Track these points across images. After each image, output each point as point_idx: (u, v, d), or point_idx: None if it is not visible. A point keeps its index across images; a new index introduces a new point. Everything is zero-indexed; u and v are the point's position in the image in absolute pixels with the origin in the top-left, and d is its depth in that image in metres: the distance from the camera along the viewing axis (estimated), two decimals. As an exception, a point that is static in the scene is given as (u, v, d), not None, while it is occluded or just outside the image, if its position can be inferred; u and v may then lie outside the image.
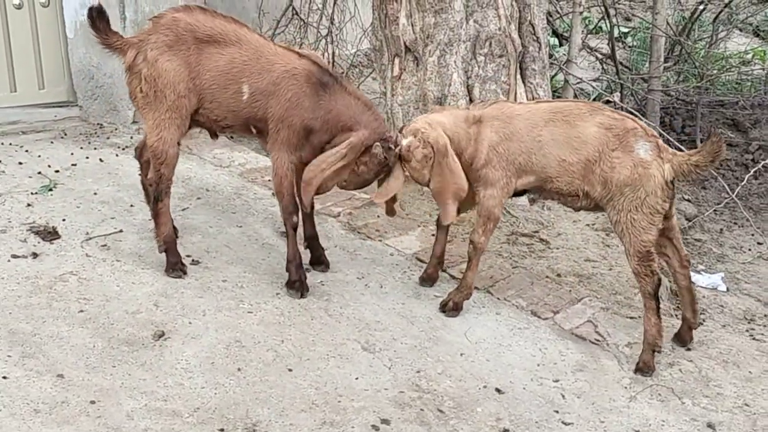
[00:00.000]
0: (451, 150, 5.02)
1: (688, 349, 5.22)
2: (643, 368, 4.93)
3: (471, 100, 7.09)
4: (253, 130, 5.26)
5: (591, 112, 4.91)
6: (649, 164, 4.74)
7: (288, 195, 5.21)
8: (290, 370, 4.60)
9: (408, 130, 5.13)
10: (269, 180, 6.90)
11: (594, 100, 9.71)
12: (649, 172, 4.73)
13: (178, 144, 5.28)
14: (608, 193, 4.83)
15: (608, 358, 5.09)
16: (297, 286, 5.28)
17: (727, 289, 6.17)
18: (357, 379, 4.60)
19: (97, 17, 5.19)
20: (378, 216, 6.54)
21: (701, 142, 8.47)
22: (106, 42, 5.25)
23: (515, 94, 7.08)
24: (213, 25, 5.18)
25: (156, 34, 5.19)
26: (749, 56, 10.39)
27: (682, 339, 5.23)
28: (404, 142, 5.06)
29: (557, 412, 4.54)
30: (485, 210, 5.11)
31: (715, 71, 9.51)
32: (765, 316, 5.80)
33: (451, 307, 5.30)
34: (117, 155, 6.94)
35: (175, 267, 5.34)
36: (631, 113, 8.38)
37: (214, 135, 5.52)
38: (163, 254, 5.33)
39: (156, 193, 5.33)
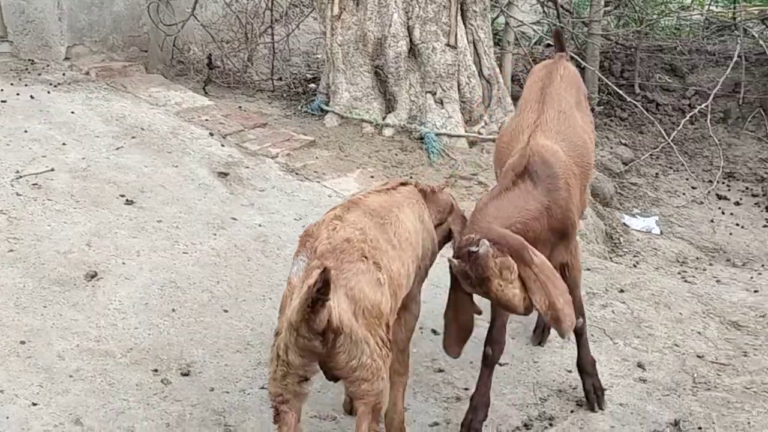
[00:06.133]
0: None
1: (621, 291, 5.29)
2: None
3: (412, 41, 7.04)
4: None
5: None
6: (292, 290, 3.22)
7: None
8: (226, 311, 4.57)
9: None
10: (206, 120, 6.79)
11: (535, 43, 9.72)
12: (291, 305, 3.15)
13: None
14: None
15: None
16: None
17: (661, 233, 6.26)
18: (293, 320, 4.59)
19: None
20: (316, 157, 6.49)
21: (639, 87, 8.55)
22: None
23: (455, 35, 7.04)
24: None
25: None
26: (688, 1, 10.44)
27: None
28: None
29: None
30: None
31: (654, 16, 9.55)
32: (697, 258, 5.91)
33: None
34: (49, 92, 6.77)
35: None
36: (572, 57, 8.43)
37: None
38: (97, 193, 5.21)
39: None
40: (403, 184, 3.92)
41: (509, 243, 3.57)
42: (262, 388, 4.06)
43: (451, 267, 3.65)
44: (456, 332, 3.90)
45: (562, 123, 4.27)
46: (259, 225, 5.43)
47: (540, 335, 4.84)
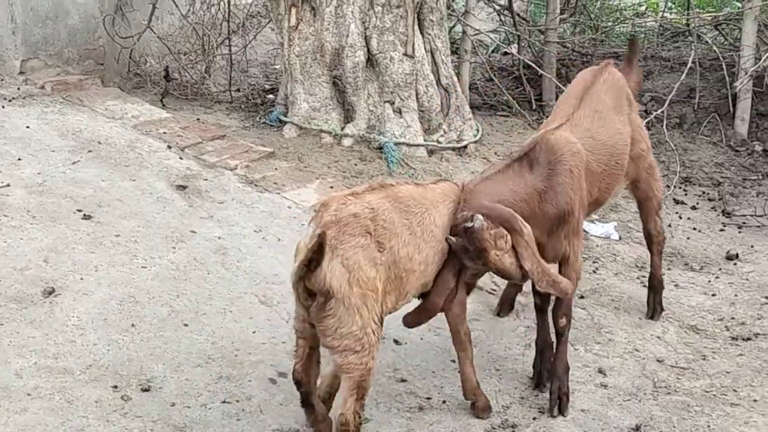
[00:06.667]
0: None
1: (581, 297, 5.32)
2: None
3: (369, 51, 7.04)
4: None
5: None
6: (298, 254, 3.67)
7: None
8: (186, 325, 4.54)
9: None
10: (164, 132, 6.75)
11: (493, 51, 9.77)
12: None
13: None
14: None
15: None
16: None
17: (620, 238, 6.31)
18: (254, 333, 4.57)
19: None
20: (275, 169, 6.47)
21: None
22: None
23: (413, 45, 7.05)
24: None
25: None
26: (642, 8, 10.56)
27: None
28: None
29: (454, 361, 4.58)
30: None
31: (609, 23, 9.64)
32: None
33: None
34: (3, 107, 6.68)
35: None
36: (529, 65, 8.50)
37: None
38: (53, 208, 5.16)
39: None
40: (446, 181, 4.26)
41: (500, 214, 3.86)
42: (224, 402, 4.04)
43: (450, 245, 3.88)
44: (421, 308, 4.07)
45: (594, 122, 4.53)
46: (219, 237, 5.40)
47: (505, 309, 5.07)
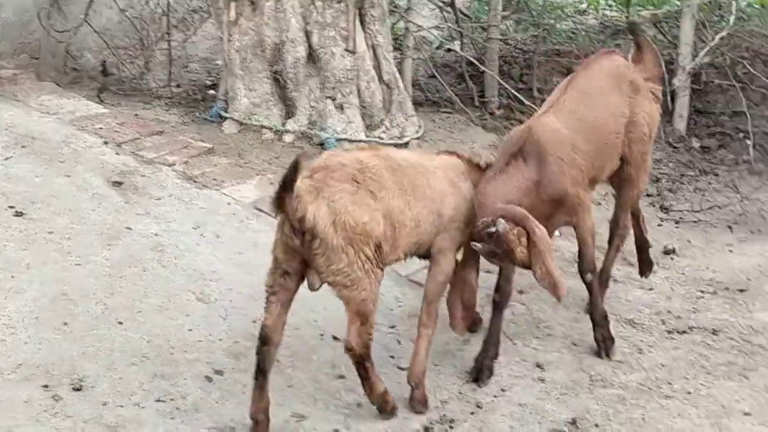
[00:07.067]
0: None
1: (521, 292, 5.34)
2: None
3: (310, 47, 7.00)
4: None
5: None
6: None
7: None
8: (120, 323, 4.47)
9: None
10: (101, 128, 6.64)
11: (436, 48, 9.77)
12: None
13: None
14: None
15: (443, 303, 5.15)
16: None
17: (560, 234, 6.32)
18: (191, 330, 4.51)
19: None
20: (215, 165, 6.40)
21: (538, 91, 8.66)
22: None
23: (354, 40, 7.03)
24: None
25: None
26: (583, 6, 10.63)
27: None
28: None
29: (393, 357, 4.59)
30: None
31: (551, 20, 9.69)
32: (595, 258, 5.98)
33: None
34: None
35: None
36: (471, 62, 8.51)
37: None
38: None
39: None
40: (450, 153, 4.55)
41: (514, 214, 4.08)
42: (158, 400, 3.98)
43: (475, 251, 4.13)
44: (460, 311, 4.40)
45: (580, 103, 4.69)
46: (156, 234, 5.33)
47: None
